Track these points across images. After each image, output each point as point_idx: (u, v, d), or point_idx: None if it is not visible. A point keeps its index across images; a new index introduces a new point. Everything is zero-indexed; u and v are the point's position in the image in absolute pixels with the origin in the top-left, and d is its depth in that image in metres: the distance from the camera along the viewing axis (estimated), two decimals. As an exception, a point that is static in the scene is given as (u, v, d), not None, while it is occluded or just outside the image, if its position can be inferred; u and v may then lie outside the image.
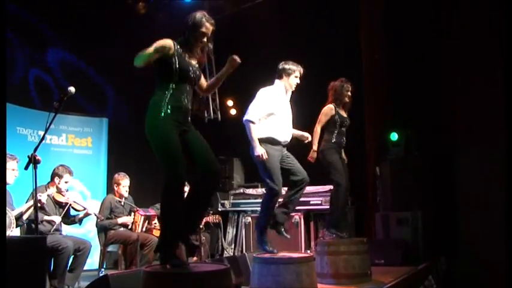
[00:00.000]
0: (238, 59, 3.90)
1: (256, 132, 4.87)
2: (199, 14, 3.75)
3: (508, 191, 4.82)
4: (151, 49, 3.48)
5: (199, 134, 3.77)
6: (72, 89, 4.22)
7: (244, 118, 4.94)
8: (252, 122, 4.86)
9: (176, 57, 3.60)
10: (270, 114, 4.96)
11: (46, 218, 5.73)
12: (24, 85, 7.95)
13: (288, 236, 5.13)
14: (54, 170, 5.91)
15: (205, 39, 3.78)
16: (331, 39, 8.40)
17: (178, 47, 3.65)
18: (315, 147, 5.72)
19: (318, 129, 5.78)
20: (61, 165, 5.97)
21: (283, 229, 5.07)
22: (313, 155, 5.71)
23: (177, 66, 3.58)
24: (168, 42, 3.59)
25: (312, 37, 8.62)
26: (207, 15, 3.78)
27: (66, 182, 5.94)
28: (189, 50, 3.74)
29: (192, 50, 3.76)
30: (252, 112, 4.92)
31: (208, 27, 3.76)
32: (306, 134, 5.34)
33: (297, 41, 8.52)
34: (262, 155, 4.77)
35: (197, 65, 3.81)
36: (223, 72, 3.99)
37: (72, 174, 6.02)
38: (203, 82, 4.04)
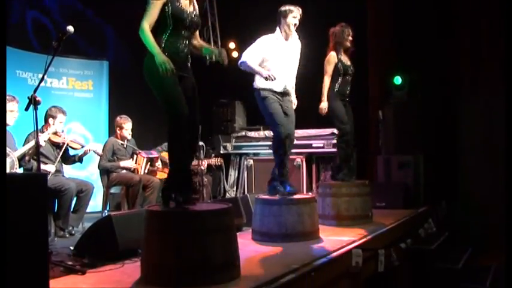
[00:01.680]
0: (226, 60, 3.77)
1: (255, 63, 4.87)
2: None
3: (508, 136, 4.80)
4: (146, 24, 3.45)
5: (194, 85, 3.71)
6: (70, 28, 4.13)
7: (239, 62, 4.96)
8: (246, 61, 4.88)
9: (169, 3, 3.53)
10: (266, 60, 4.94)
11: (42, 167, 5.63)
12: (22, 28, 7.81)
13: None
14: (47, 111, 5.81)
15: None
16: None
17: None
18: (324, 98, 5.69)
19: (326, 80, 5.73)
20: (53, 107, 5.88)
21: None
22: (322, 106, 5.67)
23: (170, 12, 3.52)
24: None
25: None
26: None
27: (60, 122, 5.87)
28: None
29: None
30: (245, 55, 4.94)
31: None
32: (294, 102, 5.20)
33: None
34: (270, 75, 4.74)
35: (194, 11, 3.71)
36: (206, 49, 3.93)
37: (66, 114, 5.94)
38: (196, 35, 3.91)
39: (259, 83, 4.97)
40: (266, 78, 4.75)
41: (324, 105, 5.68)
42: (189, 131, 3.57)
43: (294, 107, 5.17)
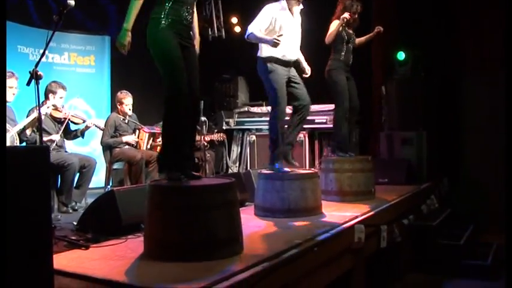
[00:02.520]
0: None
1: (260, 34, 4.82)
2: None
3: (508, 116, 4.77)
4: None
5: (195, 56, 3.70)
6: (71, 1, 4.08)
7: (246, 35, 4.90)
8: (253, 32, 4.82)
9: None
10: (272, 30, 4.87)
11: (44, 139, 5.63)
12: (23, 3, 7.74)
13: (297, 164, 5.12)
14: (46, 87, 5.76)
15: None
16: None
17: None
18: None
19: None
20: (53, 82, 5.84)
21: (290, 158, 5.05)
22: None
23: None
24: None
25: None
26: None
27: (60, 98, 5.84)
28: None
29: None
30: (252, 26, 4.85)
31: None
32: (307, 70, 5.20)
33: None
34: (276, 39, 4.66)
35: None
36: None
37: (66, 89, 5.90)
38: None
39: (265, 51, 4.88)
40: (274, 44, 4.67)
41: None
42: (189, 104, 3.57)
43: (309, 73, 5.14)
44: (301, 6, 5.02)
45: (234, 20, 9.61)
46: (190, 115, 3.67)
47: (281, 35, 4.71)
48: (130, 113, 6.64)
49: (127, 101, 6.59)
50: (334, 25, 5.71)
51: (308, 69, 5.19)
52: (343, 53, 5.78)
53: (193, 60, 3.66)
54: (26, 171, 2.16)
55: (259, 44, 4.93)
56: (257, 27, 4.83)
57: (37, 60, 3.99)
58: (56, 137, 5.70)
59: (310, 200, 4.53)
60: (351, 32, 5.89)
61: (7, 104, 5.29)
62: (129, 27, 3.43)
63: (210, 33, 9.41)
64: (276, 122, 4.85)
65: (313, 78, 5.32)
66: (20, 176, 2.14)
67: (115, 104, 6.79)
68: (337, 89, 5.74)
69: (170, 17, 3.47)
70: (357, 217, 4.38)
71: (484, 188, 7.31)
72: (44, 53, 4.09)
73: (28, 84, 4.06)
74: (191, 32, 3.70)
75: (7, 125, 5.12)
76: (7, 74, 5.12)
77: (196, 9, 3.83)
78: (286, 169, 4.82)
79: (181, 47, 3.55)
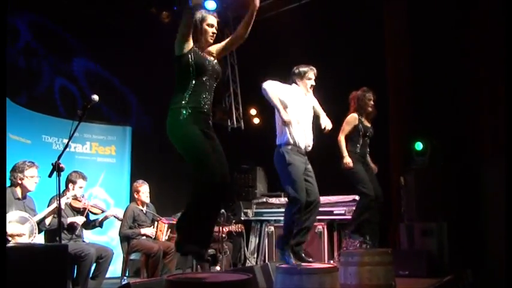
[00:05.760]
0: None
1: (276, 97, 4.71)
2: (198, 13, 3.78)
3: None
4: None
5: (218, 143, 3.74)
6: (95, 97, 4.25)
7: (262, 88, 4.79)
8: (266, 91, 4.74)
9: (192, 53, 3.64)
10: (285, 100, 4.77)
11: (69, 219, 5.70)
12: (49, 94, 8.06)
13: (311, 259, 4.98)
14: (67, 176, 5.87)
15: (213, 31, 3.82)
16: (356, 49, 8.36)
17: (196, 47, 3.71)
18: (344, 154, 5.66)
19: (341, 138, 5.72)
20: (74, 172, 5.95)
21: (302, 254, 4.92)
22: (346, 161, 5.63)
23: (193, 61, 3.62)
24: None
25: (337, 47, 8.59)
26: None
27: (80, 188, 5.93)
28: (202, 46, 3.78)
29: (205, 45, 3.81)
30: (269, 84, 4.78)
31: (212, 19, 3.82)
32: (329, 126, 4.98)
33: (321, 50, 8.48)
34: (288, 119, 4.55)
35: (215, 60, 3.84)
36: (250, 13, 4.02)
37: (86, 179, 6.00)
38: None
39: (284, 139, 4.75)
40: (284, 122, 4.56)
41: (347, 159, 5.63)
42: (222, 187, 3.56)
43: (330, 125, 5.00)
44: (311, 94, 5.06)
45: (253, 111, 9.81)
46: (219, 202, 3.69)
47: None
48: (148, 200, 6.69)
49: (143, 188, 6.66)
50: (350, 122, 5.78)
51: (329, 122, 4.97)
52: (358, 145, 5.81)
53: (217, 146, 3.71)
54: (43, 267, 2.16)
55: (278, 132, 4.85)
56: (274, 87, 4.75)
57: (60, 149, 4.11)
58: (80, 219, 5.74)
59: (329, 295, 4.42)
60: (368, 125, 5.93)
61: (28, 194, 5.40)
62: None
63: (229, 124, 9.61)
64: (293, 216, 4.66)
65: (330, 169, 5.32)
66: (37, 272, 2.15)
67: (133, 194, 6.85)
68: (356, 179, 5.73)
69: (190, 106, 3.55)
70: (377, 313, 4.26)
71: (510, 279, 7.10)
72: (66, 146, 4.22)
73: (50, 176, 4.16)
74: (210, 122, 3.77)
75: (27, 214, 5.18)
76: (29, 164, 5.29)
77: (216, 102, 3.94)
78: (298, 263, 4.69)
79: (204, 134, 3.60)
